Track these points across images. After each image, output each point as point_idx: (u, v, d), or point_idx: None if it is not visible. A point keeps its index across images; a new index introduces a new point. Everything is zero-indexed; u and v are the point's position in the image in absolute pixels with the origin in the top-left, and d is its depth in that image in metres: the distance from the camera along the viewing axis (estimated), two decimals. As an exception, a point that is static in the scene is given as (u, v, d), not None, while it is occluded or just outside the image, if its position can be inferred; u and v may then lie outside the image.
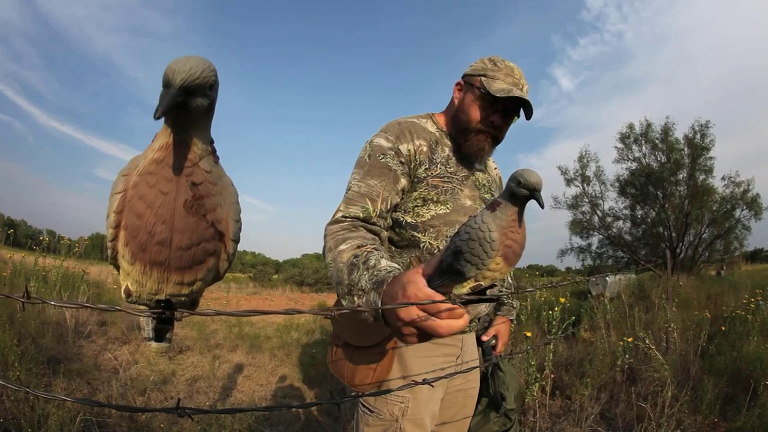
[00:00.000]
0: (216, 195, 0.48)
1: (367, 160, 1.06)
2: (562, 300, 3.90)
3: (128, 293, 0.51)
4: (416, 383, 0.82)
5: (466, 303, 1.16)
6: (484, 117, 1.10)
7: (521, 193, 0.74)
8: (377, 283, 0.76)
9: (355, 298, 0.79)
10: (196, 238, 0.47)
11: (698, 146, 9.22)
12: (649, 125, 9.87)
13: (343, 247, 0.89)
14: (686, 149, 9.39)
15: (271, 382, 3.62)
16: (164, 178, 0.44)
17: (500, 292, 1.22)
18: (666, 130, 9.64)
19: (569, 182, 10.39)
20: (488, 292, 0.83)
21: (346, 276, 0.83)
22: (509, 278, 1.47)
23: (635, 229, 10.28)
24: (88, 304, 0.50)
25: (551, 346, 3.01)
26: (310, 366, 3.97)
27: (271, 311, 0.56)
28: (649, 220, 9.96)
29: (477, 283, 0.85)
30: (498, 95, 1.05)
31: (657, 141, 9.73)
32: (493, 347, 1.41)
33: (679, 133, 9.54)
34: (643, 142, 9.92)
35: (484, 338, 1.40)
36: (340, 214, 1.01)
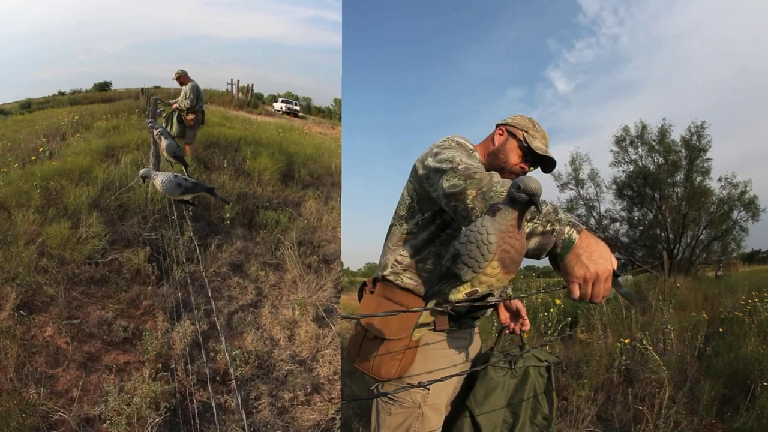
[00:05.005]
0: None
1: (456, 145, 1.23)
2: (558, 301, 3.90)
3: None
4: (412, 386, 0.97)
5: (458, 317, 1.17)
6: (518, 163, 1.36)
7: (521, 197, 0.75)
8: (574, 224, 0.86)
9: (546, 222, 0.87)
10: None
11: (695, 148, 9.26)
12: (644, 127, 9.91)
13: (497, 178, 1.00)
14: (683, 151, 9.43)
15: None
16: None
17: (494, 298, 1.25)
18: (663, 132, 9.68)
19: (563, 187, 10.40)
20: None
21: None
22: (508, 290, 1.58)
23: (632, 230, 10.31)
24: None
25: (547, 348, 3.01)
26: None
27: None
28: (646, 221, 9.99)
29: (473, 289, 0.85)
30: (537, 151, 1.32)
31: (653, 143, 9.76)
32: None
33: (676, 134, 9.59)
34: (638, 144, 9.95)
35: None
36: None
